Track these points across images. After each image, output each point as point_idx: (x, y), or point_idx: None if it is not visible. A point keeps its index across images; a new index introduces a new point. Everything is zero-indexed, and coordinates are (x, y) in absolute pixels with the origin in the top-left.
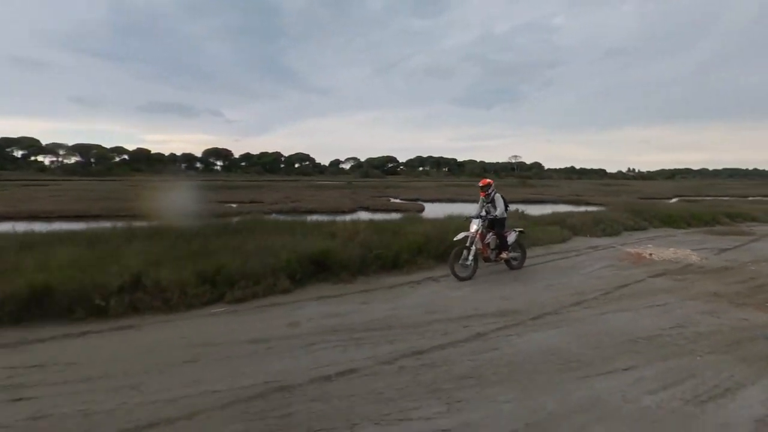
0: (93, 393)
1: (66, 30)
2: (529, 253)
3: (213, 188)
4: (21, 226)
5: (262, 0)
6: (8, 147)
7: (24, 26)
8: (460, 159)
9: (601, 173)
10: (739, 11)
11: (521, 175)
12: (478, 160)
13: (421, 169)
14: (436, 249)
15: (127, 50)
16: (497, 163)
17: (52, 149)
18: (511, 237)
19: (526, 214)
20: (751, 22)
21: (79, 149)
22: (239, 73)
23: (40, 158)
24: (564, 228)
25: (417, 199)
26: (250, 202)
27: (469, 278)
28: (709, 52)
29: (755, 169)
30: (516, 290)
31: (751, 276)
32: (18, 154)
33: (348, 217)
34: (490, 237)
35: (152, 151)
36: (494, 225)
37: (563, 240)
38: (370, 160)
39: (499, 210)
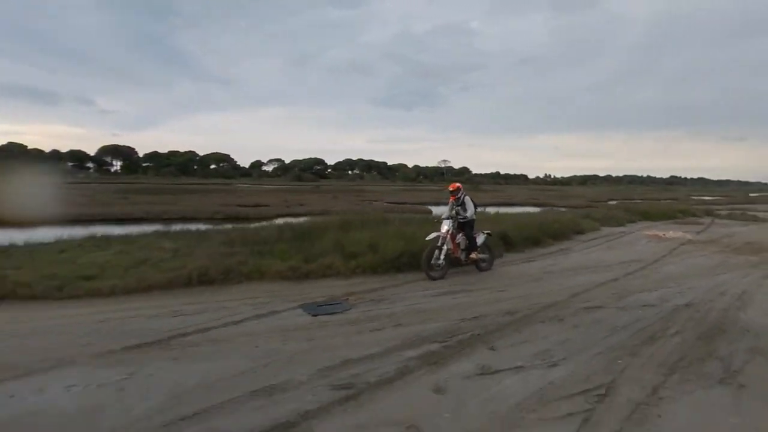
0: (503, 291)
1: None
2: (584, 237)
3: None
4: None
5: None
6: None
7: None
8: (381, 161)
9: (523, 178)
10: (628, 36)
11: (462, 180)
12: (410, 165)
13: (350, 172)
14: (555, 232)
15: None
16: (428, 167)
17: None
18: (480, 239)
19: (556, 209)
20: (637, 46)
21: None
22: (118, 54)
23: None
24: (594, 221)
25: (422, 203)
26: (255, 205)
27: (441, 277)
28: (610, 67)
29: (648, 176)
30: (626, 251)
31: (728, 244)
32: None
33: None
34: (460, 238)
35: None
36: (464, 227)
37: (595, 229)
38: (296, 162)
39: (470, 212)
